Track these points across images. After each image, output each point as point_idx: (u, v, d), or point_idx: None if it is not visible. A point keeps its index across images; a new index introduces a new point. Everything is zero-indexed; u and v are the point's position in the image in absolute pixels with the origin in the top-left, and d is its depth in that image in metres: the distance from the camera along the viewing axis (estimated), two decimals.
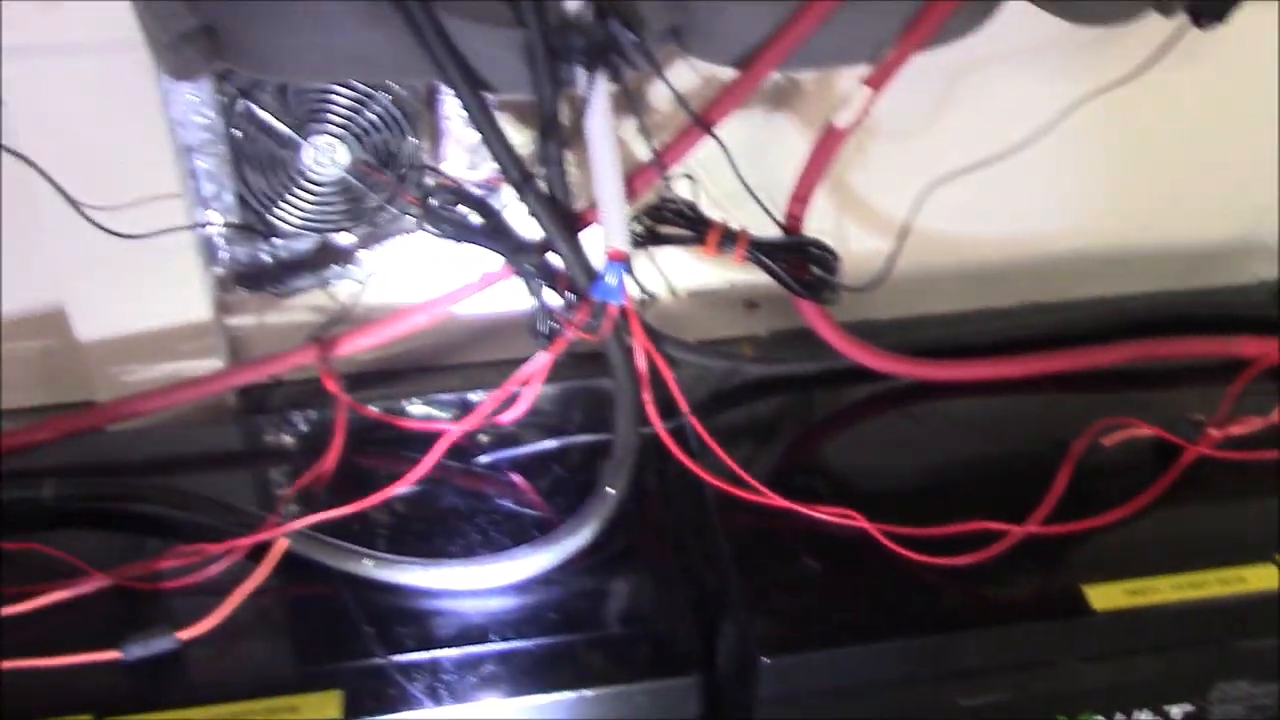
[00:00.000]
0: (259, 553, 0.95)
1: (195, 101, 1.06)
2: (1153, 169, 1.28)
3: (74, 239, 1.05)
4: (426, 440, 1.07)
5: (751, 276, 1.26)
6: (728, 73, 1.06)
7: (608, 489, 0.98)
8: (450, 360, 1.29)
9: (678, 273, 1.27)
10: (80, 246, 1.05)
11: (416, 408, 1.16)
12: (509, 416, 1.07)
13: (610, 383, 1.06)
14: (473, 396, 1.16)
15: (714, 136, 0.99)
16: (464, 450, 1.08)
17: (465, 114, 0.97)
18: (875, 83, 1.00)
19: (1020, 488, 1.02)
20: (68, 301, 1.10)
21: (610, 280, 0.98)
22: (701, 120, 0.99)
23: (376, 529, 1.01)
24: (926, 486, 1.07)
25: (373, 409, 1.11)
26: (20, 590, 0.92)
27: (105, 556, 0.96)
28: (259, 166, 1.09)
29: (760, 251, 1.03)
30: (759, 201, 1.02)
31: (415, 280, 1.17)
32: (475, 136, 1.12)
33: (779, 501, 0.99)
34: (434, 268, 1.16)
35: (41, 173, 1.01)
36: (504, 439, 1.11)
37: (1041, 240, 1.31)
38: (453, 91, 0.95)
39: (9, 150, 1.00)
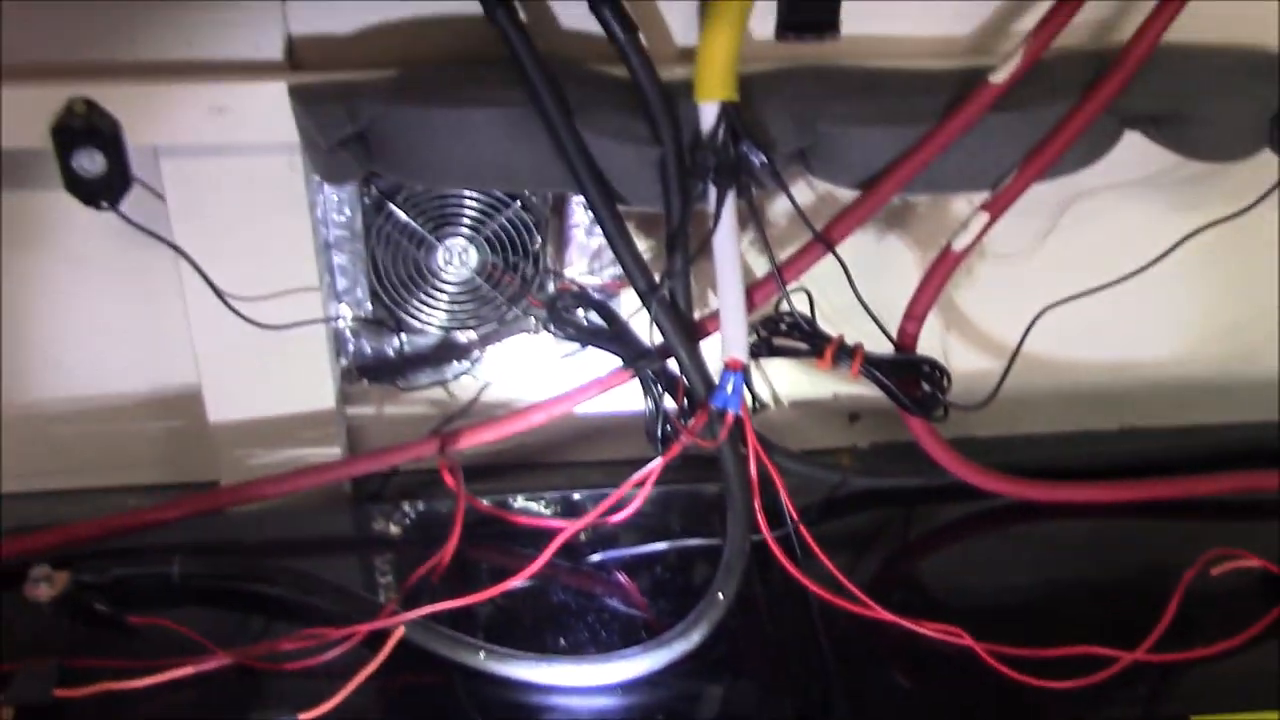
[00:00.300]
0: (375, 638, 0.98)
1: (336, 200, 1.11)
2: (1259, 300, 1.29)
3: (216, 326, 1.10)
4: (534, 535, 1.10)
5: (855, 388, 1.29)
6: (843, 190, 1.10)
7: (718, 594, 1.00)
8: (554, 458, 1.32)
9: (781, 382, 1.30)
10: (221, 333, 1.11)
11: (521, 503, 1.18)
12: (618, 517, 1.09)
13: (708, 487, 1.09)
14: (577, 494, 1.20)
15: (835, 255, 1.03)
16: (570, 548, 1.10)
17: (597, 224, 1.01)
18: (994, 209, 1.03)
19: (1125, 614, 1.03)
20: (204, 385, 1.15)
21: (728, 389, 1.01)
22: (824, 238, 1.02)
23: (486, 621, 1.03)
24: (1031, 607, 1.07)
25: (486, 503, 1.13)
26: (148, 664, 0.95)
27: (226, 634, 1.00)
28: (394, 265, 1.14)
29: (874, 367, 1.05)
30: (875, 319, 1.05)
31: (530, 378, 1.21)
32: (597, 243, 1.17)
33: (884, 614, 1.00)
34: (549, 367, 1.20)
35: (192, 263, 1.07)
36: (606, 538, 1.14)
37: (1145, 366, 1.32)
38: (586, 202, 1.00)
39: (164, 241, 1.06)
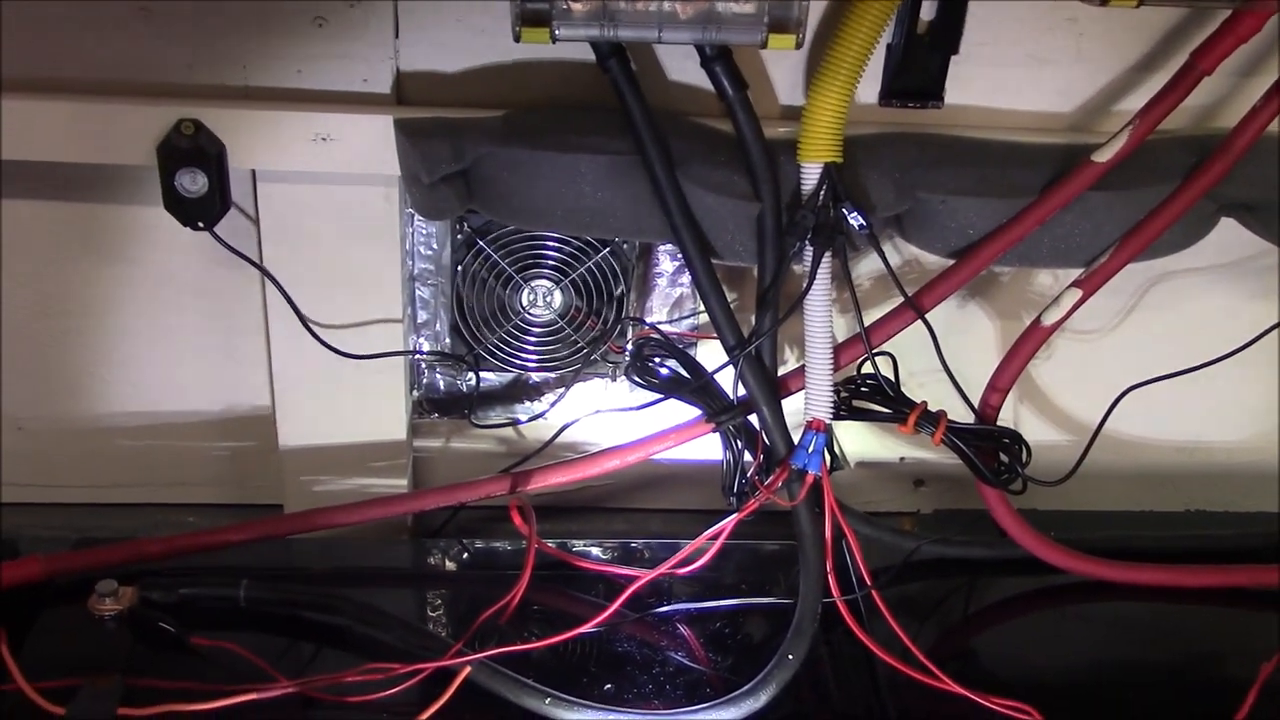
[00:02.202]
0: (439, 677, 0.97)
1: (425, 235, 1.12)
2: None
3: (295, 351, 1.10)
4: (592, 580, 1.10)
5: (922, 453, 1.29)
6: (928, 257, 1.10)
7: (789, 656, 0.99)
8: (612, 503, 1.31)
9: (847, 442, 1.29)
10: (300, 358, 1.11)
11: (580, 546, 1.17)
12: (688, 569, 1.08)
13: (767, 544, 1.10)
14: (635, 543, 1.19)
15: (925, 321, 1.02)
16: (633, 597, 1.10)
17: (690, 276, 1.01)
18: (1087, 287, 1.02)
19: (1196, 702, 1.01)
20: (278, 408, 1.15)
21: (809, 448, 1.00)
22: (915, 304, 1.02)
23: (545, 666, 1.02)
24: (1100, 688, 1.06)
25: (552, 545, 1.13)
26: (211, 688, 0.94)
27: (290, 661, 0.99)
28: (478, 302, 1.14)
29: (956, 436, 1.04)
30: (959, 389, 1.04)
31: (600, 424, 1.21)
32: (679, 292, 1.17)
33: (954, 687, 0.99)
34: (620, 413, 1.20)
35: (279, 287, 1.07)
36: (664, 589, 1.13)
37: (1214, 450, 1.32)
38: (681, 254, 1.00)
39: (253, 263, 1.06)
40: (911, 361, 1.09)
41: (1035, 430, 1.28)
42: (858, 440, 1.28)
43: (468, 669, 0.97)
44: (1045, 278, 1.19)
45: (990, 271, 1.19)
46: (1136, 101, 0.99)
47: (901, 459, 1.30)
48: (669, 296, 1.18)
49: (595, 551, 1.17)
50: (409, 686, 0.97)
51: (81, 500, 1.24)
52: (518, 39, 0.90)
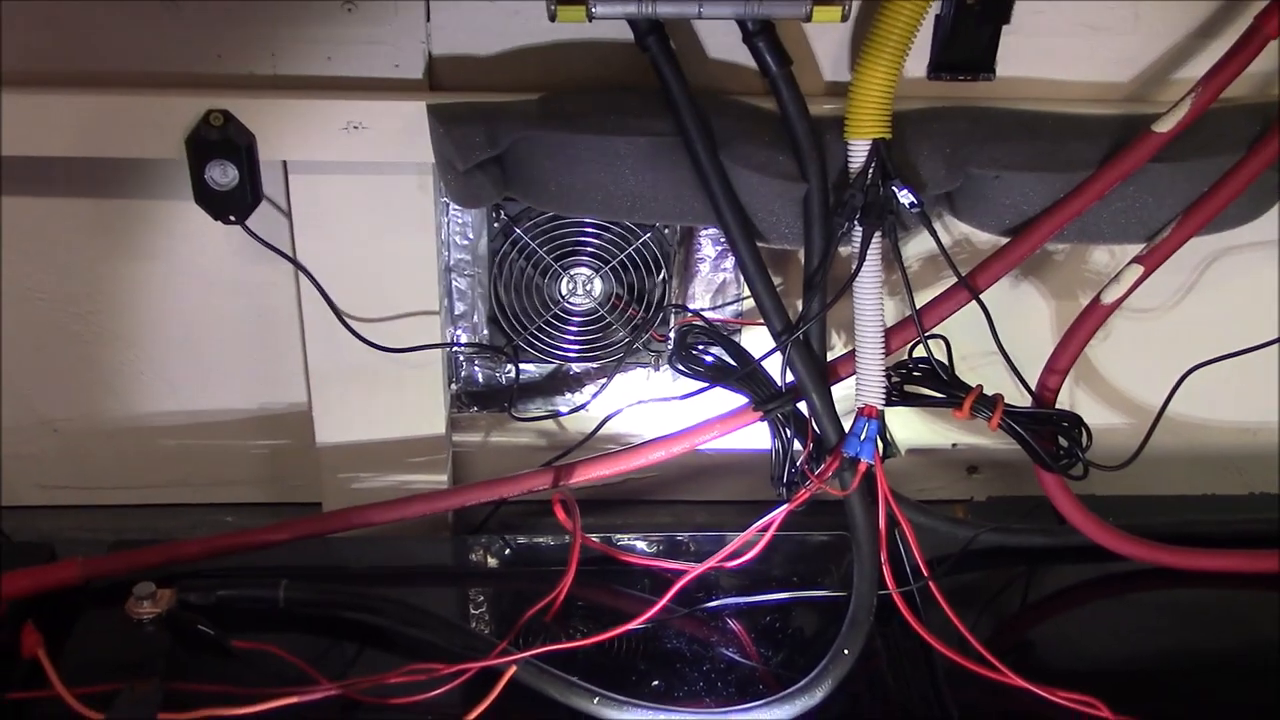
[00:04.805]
0: (486, 675, 0.94)
1: (460, 224, 1.09)
2: None
3: (330, 345, 1.08)
4: (636, 574, 1.07)
5: (975, 439, 1.25)
6: (980, 235, 1.06)
7: (844, 650, 0.96)
8: (657, 495, 1.28)
9: (898, 428, 1.25)
10: (336, 353, 1.09)
11: (625, 540, 1.14)
12: (737, 562, 1.06)
13: (814, 535, 1.07)
14: (680, 536, 1.16)
15: (980, 302, 0.99)
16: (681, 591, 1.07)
17: (735, 260, 0.98)
18: (1148, 263, 0.98)
19: (1262, 689, 0.98)
20: (314, 405, 1.13)
21: (862, 435, 0.97)
22: (970, 285, 0.99)
23: (594, 663, 0.99)
24: (1166, 677, 1.02)
25: (596, 540, 1.10)
26: (250, 691, 0.92)
27: (330, 662, 0.97)
28: (516, 292, 1.11)
29: (1014, 421, 1.01)
30: (1016, 371, 1.01)
31: (643, 414, 1.18)
32: (722, 278, 1.14)
33: (1016, 680, 0.96)
34: (663, 404, 1.17)
35: (312, 280, 1.05)
36: (712, 583, 1.10)
37: (1273, 432, 1.27)
38: (725, 237, 0.97)
39: (286, 257, 1.04)
40: (963, 345, 1.05)
41: (1092, 413, 1.23)
42: (908, 426, 1.25)
43: (513, 668, 0.94)
44: (1102, 255, 1.15)
45: (1044, 249, 1.15)
46: (1198, 69, 0.95)
47: (954, 445, 1.26)
48: (711, 282, 1.15)
49: (641, 545, 1.14)
50: (453, 687, 0.94)
51: (121, 502, 1.23)
52: (553, 18, 0.87)
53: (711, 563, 1.04)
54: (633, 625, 1.00)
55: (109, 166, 1.03)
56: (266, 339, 1.14)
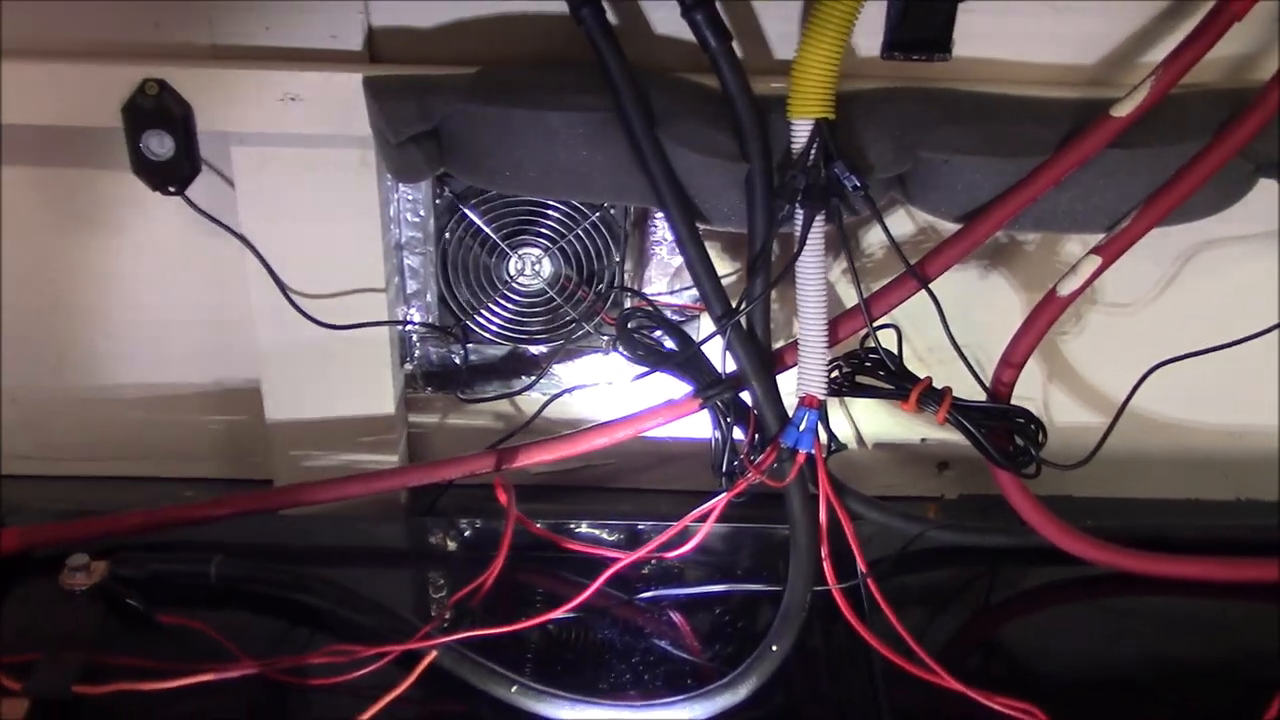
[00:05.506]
0: (407, 659, 0.93)
1: (411, 201, 1.07)
2: None
3: (278, 321, 1.07)
4: (589, 563, 1.04)
5: (946, 434, 1.20)
6: (944, 223, 1.03)
7: (771, 646, 0.93)
8: (622, 483, 1.26)
9: (867, 421, 1.22)
10: (283, 329, 1.07)
11: (584, 529, 1.12)
12: (677, 552, 1.03)
13: (781, 528, 1.02)
14: (641, 524, 1.13)
15: (929, 291, 0.95)
16: (625, 580, 1.05)
17: (675, 242, 0.95)
18: (1107, 254, 0.94)
19: (1223, 708, 0.93)
20: (264, 381, 1.12)
21: (801, 426, 0.94)
22: (918, 273, 0.95)
23: (525, 650, 0.98)
24: (1117, 690, 0.98)
25: (539, 526, 1.08)
26: (171, 666, 0.91)
27: (257, 641, 0.96)
28: (464, 271, 1.09)
29: (963, 415, 0.97)
30: (967, 364, 0.97)
31: (600, 399, 1.16)
32: (679, 261, 1.11)
33: (954, 684, 0.92)
34: (621, 388, 1.14)
35: (256, 254, 1.04)
36: (666, 573, 1.07)
37: (1263, 435, 1.22)
38: (665, 218, 0.94)
39: (230, 230, 1.03)
40: (931, 335, 1.02)
41: (1069, 412, 1.20)
42: (876, 420, 1.22)
43: (433, 653, 0.92)
44: (1075, 245, 1.11)
45: (1013, 239, 1.11)
46: (1164, 53, 0.90)
47: (923, 440, 1.23)
48: (669, 266, 1.12)
49: (593, 533, 1.12)
50: (375, 670, 0.93)
51: (80, 473, 1.22)
52: None
53: (643, 552, 1.01)
54: (557, 614, 0.97)
55: (59, 134, 1.02)
56: (221, 313, 1.13)
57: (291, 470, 1.15)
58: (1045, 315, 0.97)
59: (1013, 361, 0.99)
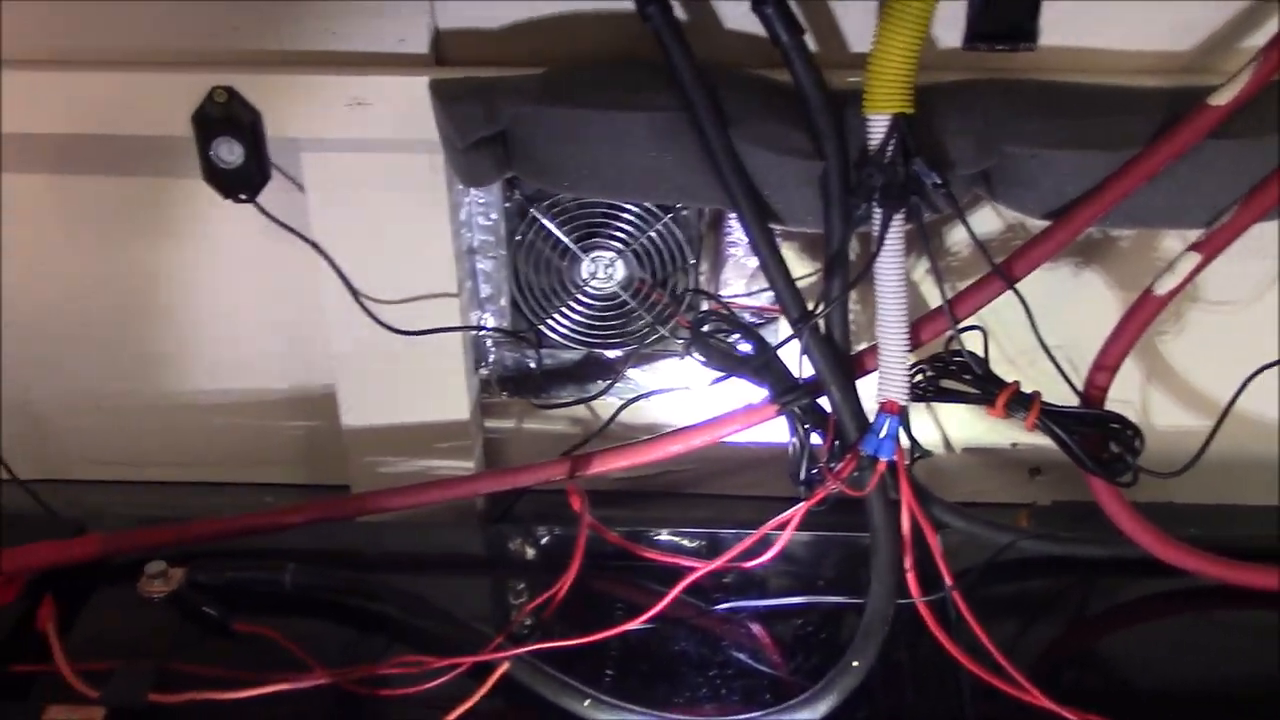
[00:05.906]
0: (479, 670, 0.91)
1: (483, 205, 1.06)
2: None
3: (351, 327, 1.06)
4: (665, 572, 1.02)
5: (1038, 439, 1.16)
6: (1032, 220, 0.98)
7: (853, 662, 0.90)
8: (701, 488, 1.23)
9: (955, 425, 1.18)
10: (356, 335, 1.07)
11: (663, 536, 1.10)
12: (756, 561, 1.00)
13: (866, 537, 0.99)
14: (721, 532, 1.10)
15: (1015, 291, 0.91)
16: (705, 590, 1.02)
17: (748, 244, 0.92)
18: (1206, 250, 0.89)
19: None
20: (339, 387, 1.12)
21: (881, 433, 0.90)
22: (1004, 272, 0.91)
23: (599, 662, 0.95)
24: (1221, 710, 0.93)
25: (614, 533, 1.06)
26: (245, 675, 0.91)
27: (331, 648, 0.95)
28: (537, 275, 1.08)
29: (1054, 421, 0.93)
30: (1058, 367, 0.93)
31: (676, 404, 1.13)
32: (755, 263, 1.08)
33: (1045, 702, 0.88)
34: (698, 393, 1.12)
35: (329, 260, 1.03)
36: (748, 583, 1.05)
37: None
38: (737, 218, 0.91)
39: (301, 237, 1.02)
40: (1020, 337, 0.97)
41: (1169, 415, 1.14)
42: (964, 424, 1.17)
43: (505, 665, 0.91)
44: (1173, 241, 1.05)
45: (1107, 235, 1.06)
46: (1265, 37, 0.85)
47: (1014, 445, 1.18)
48: (745, 268, 1.09)
49: (670, 541, 1.09)
50: (447, 681, 0.92)
51: (162, 479, 1.23)
52: None
53: (719, 562, 0.99)
54: (630, 625, 0.95)
55: (131, 144, 1.02)
56: (297, 318, 1.13)
57: (367, 476, 1.15)
58: (1141, 315, 0.93)
59: (1107, 364, 0.95)
